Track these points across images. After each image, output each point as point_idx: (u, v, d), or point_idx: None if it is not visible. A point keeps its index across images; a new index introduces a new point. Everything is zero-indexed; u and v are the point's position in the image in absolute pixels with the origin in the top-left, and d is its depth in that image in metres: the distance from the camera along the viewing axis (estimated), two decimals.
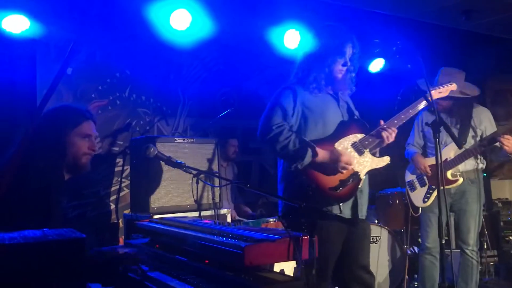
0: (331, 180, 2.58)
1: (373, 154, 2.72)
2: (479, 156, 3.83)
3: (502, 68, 6.14)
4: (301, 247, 1.88)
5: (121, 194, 4.77)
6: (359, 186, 2.65)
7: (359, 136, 2.69)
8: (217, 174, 4.06)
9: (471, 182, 3.82)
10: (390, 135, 2.65)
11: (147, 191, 3.69)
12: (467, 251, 3.81)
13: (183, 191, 3.84)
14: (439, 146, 2.31)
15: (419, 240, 4.12)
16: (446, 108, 3.81)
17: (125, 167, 4.74)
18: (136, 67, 4.94)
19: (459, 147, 2.50)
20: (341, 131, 2.67)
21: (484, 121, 3.86)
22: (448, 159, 3.72)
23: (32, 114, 2.17)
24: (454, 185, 3.77)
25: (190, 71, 5.44)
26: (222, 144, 4.49)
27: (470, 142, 3.82)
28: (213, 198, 3.92)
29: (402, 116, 2.87)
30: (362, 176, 2.65)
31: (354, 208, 2.67)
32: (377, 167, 2.71)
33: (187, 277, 1.99)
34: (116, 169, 4.79)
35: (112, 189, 4.76)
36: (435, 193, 3.84)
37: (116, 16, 4.54)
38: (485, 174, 6.12)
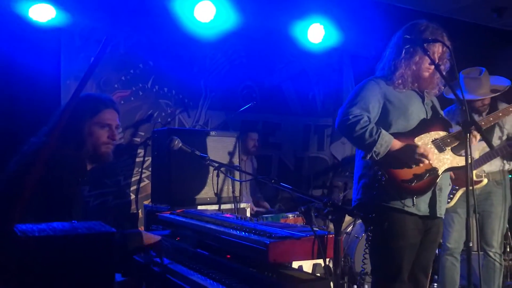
0: (406, 173, 2.52)
1: (455, 153, 2.65)
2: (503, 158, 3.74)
3: None
4: (326, 246, 1.85)
5: (142, 184, 4.79)
6: (437, 182, 2.58)
7: (442, 133, 2.62)
8: (239, 168, 4.04)
9: (496, 183, 3.73)
10: (474, 138, 2.57)
11: (168, 182, 3.70)
12: (491, 253, 3.74)
13: (204, 183, 3.84)
14: (470, 147, 2.25)
15: (441, 240, 4.04)
16: (474, 107, 3.72)
17: (146, 158, 4.76)
18: (160, 58, 4.94)
19: (491, 148, 2.43)
20: (423, 127, 2.61)
21: (509, 121, 3.75)
22: (473, 159, 3.63)
23: (57, 104, 2.18)
24: (479, 186, 3.68)
25: (212, 63, 5.42)
26: (242, 138, 4.47)
27: (496, 141, 3.72)
28: (233, 192, 3.91)
29: (491, 119, 2.83)
30: (440, 172, 2.58)
31: (432, 205, 2.61)
32: (458, 165, 2.63)
33: (208, 271, 1.98)
34: (137, 159, 4.82)
35: (133, 179, 4.79)
36: (458, 194, 3.76)
37: (141, 7, 4.55)
38: (510, 176, 6.01)
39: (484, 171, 3.69)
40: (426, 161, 2.50)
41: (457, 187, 3.75)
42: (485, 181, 3.69)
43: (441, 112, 2.82)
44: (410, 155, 2.49)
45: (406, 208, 2.52)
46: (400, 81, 2.60)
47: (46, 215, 1.71)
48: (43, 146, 1.56)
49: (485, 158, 3.63)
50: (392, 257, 2.53)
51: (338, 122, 2.60)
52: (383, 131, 2.49)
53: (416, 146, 2.49)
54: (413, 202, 2.52)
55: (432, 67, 2.57)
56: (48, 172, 1.74)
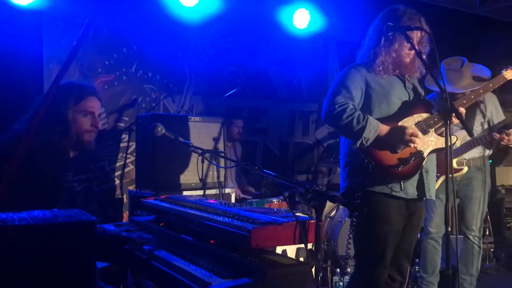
0: (391, 158, 2.55)
1: (439, 134, 2.68)
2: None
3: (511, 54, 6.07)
4: (307, 231, 1.88)
5: (126, 170, 4.78)
6: (423, 165, 2.62)
7: (424, 115, 2.66)
8: (223, 154, 4.05)
9: (477, 169, 3.79)
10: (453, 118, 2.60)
11: (152, 168, 3.69)
12: (470, 237, 3.82)
13: (188, 169, 3.84)
14: (450, 135, 2.28)
15: (423, 225, 4.12)
16: (456, 98, 3.76)
17: (131, 143, 4.73)
18: (144, 42, 4.89)
19: (471, 135, 2.47)
20: (406, 110, 2.64)
21: (490, 107, 3.80)
22: (454, 148, 3.69)
23: (40, 89, 2.15)
24: (459, 173, 3.74)
25: (197, 48, 5.38)
26: (226, 124, 4.47)
27: (477, 128, 3.78)
28: (218, 177, 3.93)
29: (472, 97, 2.85)
30: (426, 155, 2.62)
31: (420, 187, 2.65)
32: (442, 146, 2.65)
33: (192, 256, 2.00)
34: (122, 145, 4.79)
35: (117, 164, 4.77)
36: (440, 180, 3.81)
37: None
38: (491, 161, 6.12)
39: (465, 158, 3.75)
40: (418, 141, 2.52)
41: (438, 174, 3.81)
42: (466, 169, 3.75)
43: (423, 94, 2.84)
44: (400, 137, 2.51)
45: (394, 193, 2.56)
46: (381, 68, 2.62)
47: (30, 203, 1.71)
48: (24, 133, 1.55)
49: (466, 147, 3.68)
50: (376, 242, 2.58)
51: (324, 112, 2.61)
52: (370, 117, 2.51)
53: (405, 128, 2.52)
54: (400, 186, 2.56)
55: (413, 52, 2.59)
56: (31, 160, 1.73)
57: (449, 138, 2.30)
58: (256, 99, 5.98)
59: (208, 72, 5.44)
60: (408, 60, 2.64)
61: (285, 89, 6.27)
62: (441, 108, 2.54)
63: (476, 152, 3.76)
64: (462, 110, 2.70)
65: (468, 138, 3.65)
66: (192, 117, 3.96)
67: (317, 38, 6.13)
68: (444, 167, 3.71)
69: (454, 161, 3.72)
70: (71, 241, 0.92)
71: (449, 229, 2.33)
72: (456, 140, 2.74)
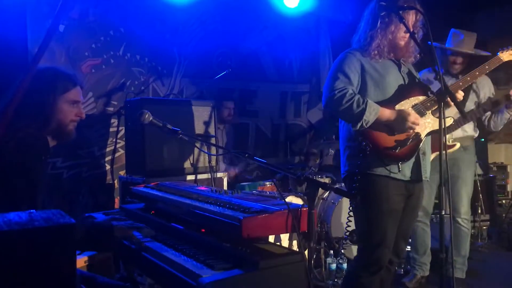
0: (389, 141, 2.56)
1: (436, 116, 2.66)
2: (473, 123, 3.78)
3: (503, 31, 6.02)
4: (299, 219, 1.85)
5: (116, 155, 4.72)
6: (420, 147, 2.63)
7: (421, 98, 2.65)
8: (214, 139, 4.00)
9: (463, 149, 3.77)
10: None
11: (142, 153, 3.64)
12: (459, 220, 3.80)
13: (179, 154, 3.79)
14: (444, 115, 2.24)
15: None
16: (450, 71, 3.73)
17: (120, 128, 4.66)
18: (131, 24, 4.77)
19: (464, 117, 2.45)
20: (402, 94, 2.64)
21: (483, 88, 3.78)
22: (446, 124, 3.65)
23: (24, 72, 2.06)
24: (451, 150, 3.70)
25: (186, 29, 5.27)
26: (217, 106, 4.41)
27: (470, 106, 3.75)
28: (209, 162, 3.88)
29: (468, 78, 2.83)
30: (423, 137, 2.63)
31: (417, 169, 2.65)
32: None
33: (183, 247, 1.97)
34: (111, 129, 4.72)
35: (107, 149, 4.71)
36: (431, 157, 3.79)
37: None
38: (482, 139, 6.12)
39: (452, 136, 3.72)
40: (417, 127, 2.54)
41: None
42: (458, 145, 3.71)
43: (418, 77, 2.83)
44: (403, 122, 2.52)
45: (392, 175, 2.57)
46: (376, 51, 2.61)
47: (9, 201, 1.66)
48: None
49: (458, 123, 3.65)
50: (377, 222, 2.58)
51: (325, 99, 2.62)
52: (370, 101, 2.52)
53: (408, 114, 2.53)
54: (398, 168, 2.57)
55: (407, 35, 2.58)
56: (9, 157, 1.67)
57: (443, 120, 2.26)
58: (247, 81, 5.91)
59: (198, 54, 5.34)
60: (403, 43, 2.64)
61: (276, 70, 6.20)
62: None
63: (464, 132, 3.74)
64: (461, 93, 2.70)
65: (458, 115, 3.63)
66: (181, 101, 3.89)
67: (308, 18, 6.04)
68: (434, 145, 3.72)
69: (447, 137, 3.69)
70: (49, 247, 0.87)
71: (443, 213, 2.30)
72: (453, 122, 2.73)
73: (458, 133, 3.72)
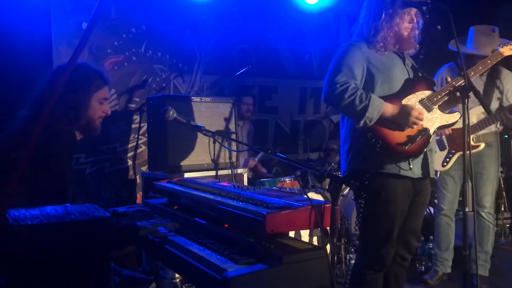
0: (399, 136, 2.51)
1: (443, 111, 2.64)
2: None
3: None
4: (322, 215, 1.86)
5: (138, 151, 4.78)
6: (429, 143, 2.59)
7: (427, 92, 2.61)
8: (235, 135, 4.02)
9: (487, 145, 3.73)
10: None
11: (164, 149, 3.68)
12: (483, 214, 3.79)
13: (200, 150, 3.83)
14: (467, 113, 2.22)
15: (436, 201, 4.09)
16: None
17: (142, 124, 4.72)
18: (152, 22, 4.82)
19: (489, 113, 2.41)
20: (408, 88, 2.59)
21: (507, 85, 3.72)
22: (470, 124, 3.62)
23: (52, 71, 2.12)
24: (475, 150, 3.69)
25: (206, 26, 5.30)
26: (236, 102, 4.42)
27: (494, 106, 3.70)
28: (230, 158, 3.91)
29: (480, 68, 2.80)
30: (431, 132, 2.59)
31: (425, 166, 2.62)
32: (447, 123, 2.64)
33: (206, 241, 1.99)
34: (133, 126, 4.78)
35: (129, 145, 4.77)
36: (454, 158, 3.78)
37: None
38: (506, 136, 6.02)
39: (480, 135, 3.68)
40: (420, 122, 2.50)
41: (454, 151, 3.76)
42: (483, 145, 3.70)
43: (421, 71, 2.76)
44: (406, 117, 2.47)
45: (402, 172, 2.52)
46: (382, 43, 2.55)
47: (42, 194, 1.70)
48: (34, 121, 1.53)
49: (483, 124, 3.61)
50: (383, 223, 2.56)
51: (325, 93, 2.53)
52: (373, 96, 2.45)
53: (411, 109, 2.47)
54: (409, 165, 2.53)
55: (410, 25, 2.55)
56: (41, 151, 1.72)
57: (466, 116, 2.23)
58: (267, 77, 5.91)
59: (218, 50, 5.36)
60: (406, 34, 2.59)
61: (296, 66, 6.18)
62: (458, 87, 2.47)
63: (487, 128, 3.69)
64: None
65: (483, 115, 3.59)
66: (203, 98, 3.92)
67: (328, 13, 6.01)
68: (459, 144, 3.70)
69: (471, 137, 3.66)
70: (85, 239, 0.90)
71: (466, 210, 2.28)
72: (460, 117, 2.69)
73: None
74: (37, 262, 0.85)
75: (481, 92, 3.45)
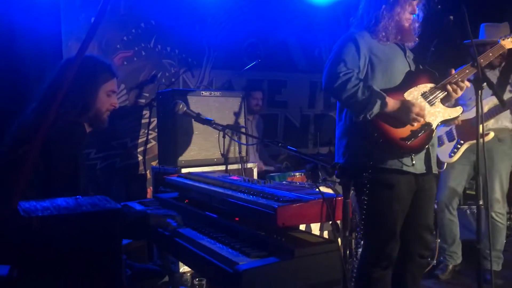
0: (402, 131, 2.45)
1: (445, 105, 2.60)
2: (511, 115, 3.67)
3: None
4: (334, 209, 1.84)
5: (148, 145, 4.79)
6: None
7: (429, 85, 2.55)
8: (245, 129, 4.01)
9: (498, 140, 3.66)
10: (458, 89, 2.52)
11: (174, 144, 3.69)
12: (492, 214, 3.67)
13: (210, 144, 3.83)
14: (481, 104, 2.18)
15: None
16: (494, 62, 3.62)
17: (152, 119, 4.73)
18: (161, 17, 4.82)
19: (503, 104, 2.37)
20: (410, 81, 2.53)
21: None
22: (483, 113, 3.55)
23: (60, 63, 2.12)
24: (485, 139, 3.60)
25: (215, 21, 5.28)
26: (245, 97, 4.40)
27: (507, 96, 3.65)
28: (239, 152, 3.91)
29: (490, 54, 2.73)
30: (434, 127, 2.53)
31: (427, 161, 2.56)
32: (450, 117, 2.59)
33: (217, 235, 1.99)
34: (143, 121, 4.79)
35: (139, 140, 4.78)
36: (463, 148, 3.71)
37: None
38: None
39: (489, 127, 3.62)
40: (421, 120, 2.45)
41: (462, 142, 3.70)
42: (492, 134, 3.62)
43: (422, 64, 2.70)
44: (407, 114, 2.41)
45: (405, 168, 2.47)
46: (384, 33, 2.50)
47: (53, 186, 1.71)
48: (44, 115, 1.53)
49: (494, 111, 3.55)
50: (387, 220, 2.51)
51: (327, 82, 2.46)
52: (375, 89, 2.40)
53: (412, 105, 2.41)
54: (412, 160, 2.47)
55: (411, 16, 2.51)
56: (52, 143, 1.72)
57: (480, 108, 2.19)
58: (276, 71, 5.89)
59: (227, 45, 5.35)
60: (407, 25, 2.54)
61: (305, 60, 6.15)
62: (472, 77, 2.43)
63: (500, 124, 3.63)
64: (467, 83, 2.54)
65: (495, 104, 3.54)
66: (212, 92, 3.92)
67: (338, 6, 5.95)
68: (468, 134, 3.63)
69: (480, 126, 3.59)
70: (96, 231, 0.90)
71: (480, 203, 2.25)
72: (462, 112, 2.65)
73: (492, 123, 3.62)
74: (48, 254, 0.85)
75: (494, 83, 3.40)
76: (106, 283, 0.89)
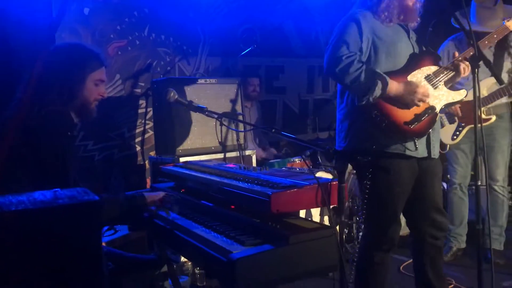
0: (406, 114, 2.41)
1: (449, 88, 2.56)
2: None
3: None
4: (329, 193, 1.82)
5: (146, 136, 4.76)
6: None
7: (433, 68, 2.51)
8: (241, 116, 3.98)
9: (498, 117, 3.65)
10: (467, 67, 2.49)
11: (171, 133, 3.67)
12: (496, 187, 3.73)
13: (208, 133, 3.80)
14: (478, 84, 2.13)
15: (448, 176, 4.03)
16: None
17: (148, 109, 4.69)
18: (154, 4, 4.75)
19: (501, 83, 2.32)
20: (414, 63, 2.49)
21: None
22: (481, 97, 3.51)
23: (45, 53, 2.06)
24: (486, 123, 3.59)
25: (209, 7, 5.21)
26: (242, 84, 4.36)
27: (504, 76, 3.60)
28: (237, 140, 3.88)
29: (495, 36, 2.71)
30: (438, 110, 2.50)
31: (428, 145, 2.53)
32: (453, 101, 2.55)
33: (213, 223, 1.97)
34: (140, 111, 4.75)
35: (137, 131, 4.75)
36: (464, 131, 3.69)
37: None
38: None
39: (486, 107, 3.59)
40: (427, 100, 2.42)
41: (463, 124, 3.68)
42: (494, 118, 3.62)
43: (425, 46, 2.65)
44: (411, 95, 2.38)
45: (407, 152, 2.44)
46: (386, 13, 2.45)
47: (42, 179, 1.68)
48: (26, 104, 1.49)
49: (494, 96, 3.52)
50: (388, 203, 2.49)
51: (329, 65, 2.41)
52: (378, 72, 2.36)
53: (417, 86, 2.38)
54: (415, 144, 2.44)
55: None
56: (37, 133, 1.68)
57: (477, 86, 2.14)
58: (273, 57, 5.83)
59: (222, 31, 5.28)
60: (411, 4, 2.47)
61: (303, 45, 6.08)
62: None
63: (498, 100, 3.59)
64: (466, 64, 2.52)
65: (495, 87, 3.49)
66: (208, 79, 3.88)
67: None
68: (469, 117, 3.60)
69: (482, 110, 3.57)
70: (73, 224, 0.87)
71: (478, 183, 2.22)
72: (467, 94, 2.61)
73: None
74: (22, 249, 0.82)
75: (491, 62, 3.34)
76: (85, 276, 0.87)
